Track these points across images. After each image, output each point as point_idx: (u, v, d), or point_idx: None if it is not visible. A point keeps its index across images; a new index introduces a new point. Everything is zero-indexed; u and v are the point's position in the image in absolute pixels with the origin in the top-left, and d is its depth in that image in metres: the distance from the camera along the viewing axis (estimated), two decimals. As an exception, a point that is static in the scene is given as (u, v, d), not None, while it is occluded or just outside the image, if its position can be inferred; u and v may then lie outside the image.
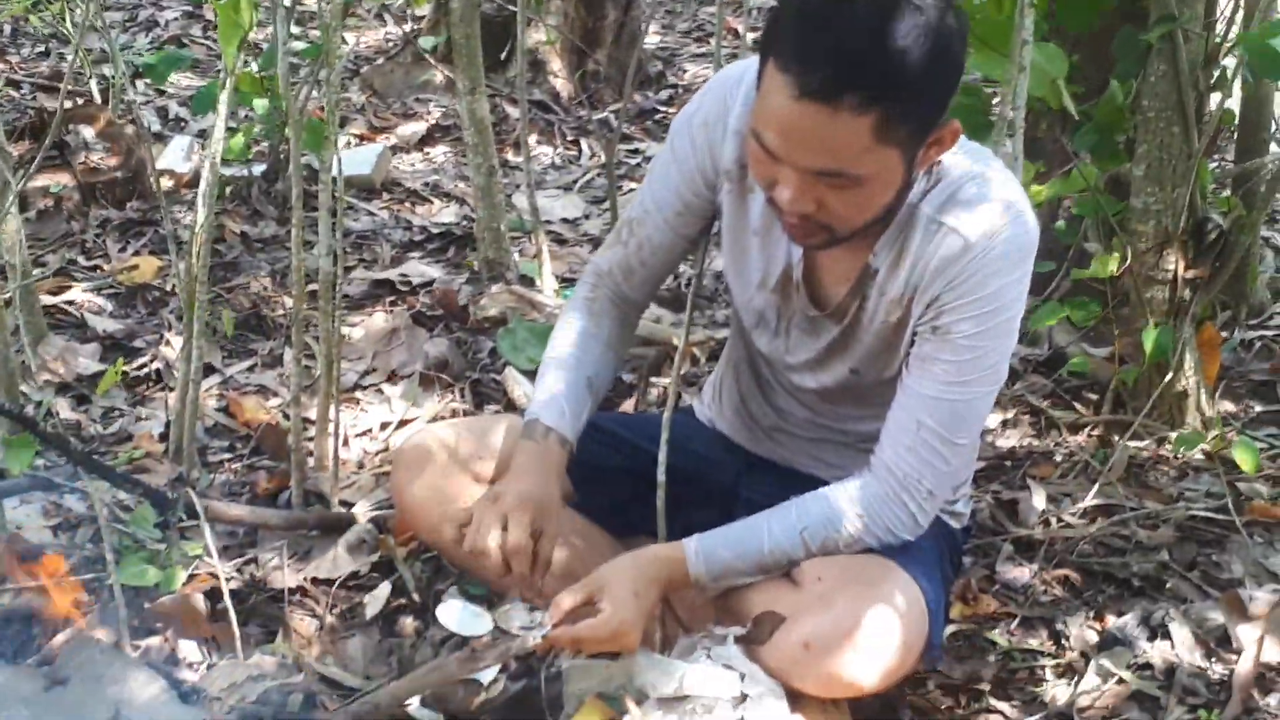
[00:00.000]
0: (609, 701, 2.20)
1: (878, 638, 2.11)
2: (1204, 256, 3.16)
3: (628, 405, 3.34)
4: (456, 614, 2.24)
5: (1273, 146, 3.60)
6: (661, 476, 2.36)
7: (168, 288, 3.77)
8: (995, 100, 3.01)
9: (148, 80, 5.21)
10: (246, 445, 3.09)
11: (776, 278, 2.23)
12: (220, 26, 2.50)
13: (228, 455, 3.05)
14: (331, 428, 2.86)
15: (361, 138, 5.02)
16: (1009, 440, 3.26)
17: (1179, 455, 3.09)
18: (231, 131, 3.58)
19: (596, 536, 2.47)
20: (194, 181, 4.42)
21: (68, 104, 4.80)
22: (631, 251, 2.36)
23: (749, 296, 2.30)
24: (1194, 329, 3.20)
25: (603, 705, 2.19)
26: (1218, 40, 3.20)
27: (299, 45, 4.08)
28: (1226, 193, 3.37)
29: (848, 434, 2.44)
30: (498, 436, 2.47)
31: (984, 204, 2.04)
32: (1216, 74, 3.18)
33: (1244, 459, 2.80)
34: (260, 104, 3.78)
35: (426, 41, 5.21)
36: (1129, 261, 3.12)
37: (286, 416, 3.19)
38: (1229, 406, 3.39)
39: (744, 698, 2.14)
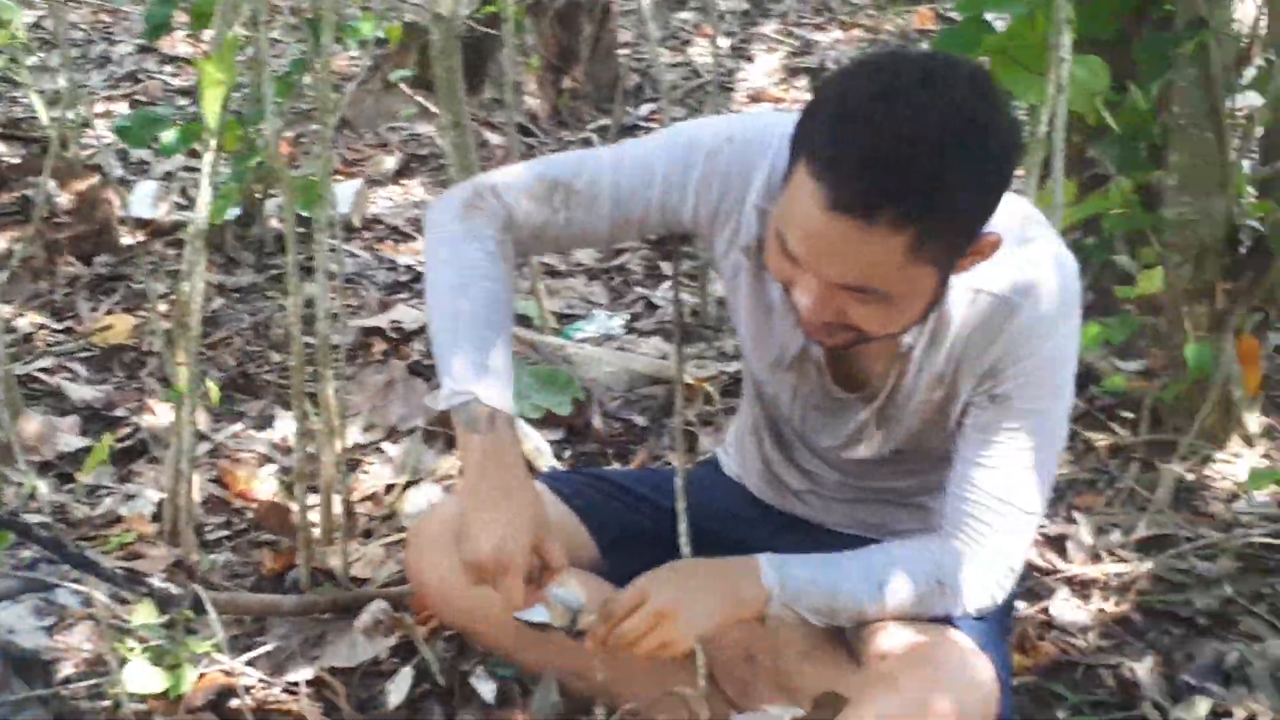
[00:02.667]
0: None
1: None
2: (1243, 266, 3.02)
3: (639, 451, 3.17)
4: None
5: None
6: (683, 526, 2.16)
7: (144, 346, 3.58)
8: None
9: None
10: (243, 519, 2.90)
11: (792, 356, 2.05)
12: (202, 82, 2.31)
13: (225, 533, 2.86)
14: (339, 500, 2.68)
15: (335, 173, 4.83)
16: (1048, 468, 3.10)
17: (1245, 491, 2.94)
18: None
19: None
20: (164, 230, 4.23)
21: (22, 155, 4.61)
22: (559, 224, 2.03)
23: (761, 377, 2.15)
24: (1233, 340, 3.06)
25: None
26: (1246, 40, 3.08)
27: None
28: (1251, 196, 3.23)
29: (886, 492, 2.28)
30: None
31: (1023, 260, 1.87)
32: (1246, 76, 3.06)
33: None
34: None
35: (397, 73, 5.02)
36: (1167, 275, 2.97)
37: (285, 486, 3.01)
38: (1273, 419, 3.24)
39: (811, 779, 1.99)
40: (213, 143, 2.52)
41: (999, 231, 1.77)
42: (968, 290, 1.88)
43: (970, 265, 1.79)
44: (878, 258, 1.67)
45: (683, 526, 2.17)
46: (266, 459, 3.13)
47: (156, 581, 2.22)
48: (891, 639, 2.02)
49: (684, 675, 2.20)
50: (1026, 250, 1.88)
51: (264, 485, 3.02)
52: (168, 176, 4.63)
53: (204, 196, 2.54)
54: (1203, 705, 2.31)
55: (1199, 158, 2.96)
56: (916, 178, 1.61)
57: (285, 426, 3.23)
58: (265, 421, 3.27)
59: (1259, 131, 3.05)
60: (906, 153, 1.60)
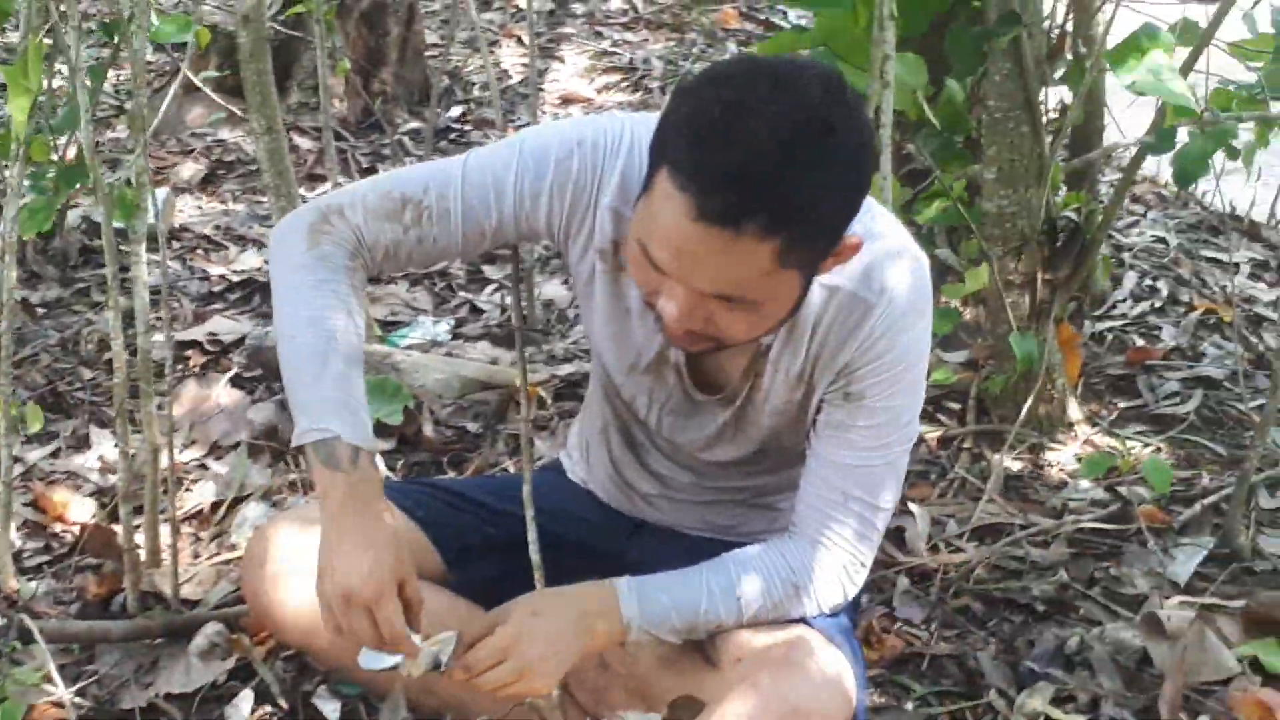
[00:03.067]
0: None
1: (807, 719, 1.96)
2: (1061, 256, 3.08)
3: (474, 458, 3.11)
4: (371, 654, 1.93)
5: (1107, 137, 3.54)
6: (536, 557, 2.13)
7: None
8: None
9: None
10: (63, 544, 2.78)
11: (650, 359, 2.05)
12: (10, 91, 2.20)
13: (45, 558, 2.73)
14: (165, 519, 2.58)
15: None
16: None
17: (1087, 478, 3.00)
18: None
19: (479, 617, 2.25)
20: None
21: None
22: (411, 242, 1.97)
23: (621, 380, 2.13)
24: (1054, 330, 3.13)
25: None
26: (1057, 34, 3.15)
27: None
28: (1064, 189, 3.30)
29: (739, 492, 2.28)
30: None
31: (877, 257, 1.89)
32: (1059, 70, 3.13)
33: (1158, 481, 2.71)
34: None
35: (204, 75, 4.87)
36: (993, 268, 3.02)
37: (105, 508, 2.89)
38: (1092, 406, 3.32)
39: (675, 789, 1.97)
40: (20, 152, 2.42)
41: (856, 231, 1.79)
42: (822, 288, 1.88)
43: (831, 267, 1.80)
44: (745, 266, 1.66)
45: (532, 536, 2.14)
46: (85, 480, 3.00)
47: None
48: (747, 641, 2.02)
49: (536, 685, 2.17)
50: (879, 246, 1.89)
51: (82, 508, 2.89)
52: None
53: (11, 209, 2.43)
54: (1046, 691, 2.34)
55: (1016, 151, 3.02)
56: (780, 186, 1.61)
57: (102, 446, 3.11)
58: (80, 442, 3.14)
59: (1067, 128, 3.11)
60: (773, 163, 1.60)
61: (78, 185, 2.75)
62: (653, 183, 1.69)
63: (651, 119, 1.90)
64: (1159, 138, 2.83)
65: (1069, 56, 3.18)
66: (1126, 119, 3.51)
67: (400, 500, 2.27)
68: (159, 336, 2.56)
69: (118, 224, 3.77)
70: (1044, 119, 3.07)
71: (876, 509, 1.98)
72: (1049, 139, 3.04)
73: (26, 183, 2.64)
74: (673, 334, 1.82)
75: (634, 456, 2.28)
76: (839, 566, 2.00)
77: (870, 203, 1.93)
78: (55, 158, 2.96)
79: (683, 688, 2.06)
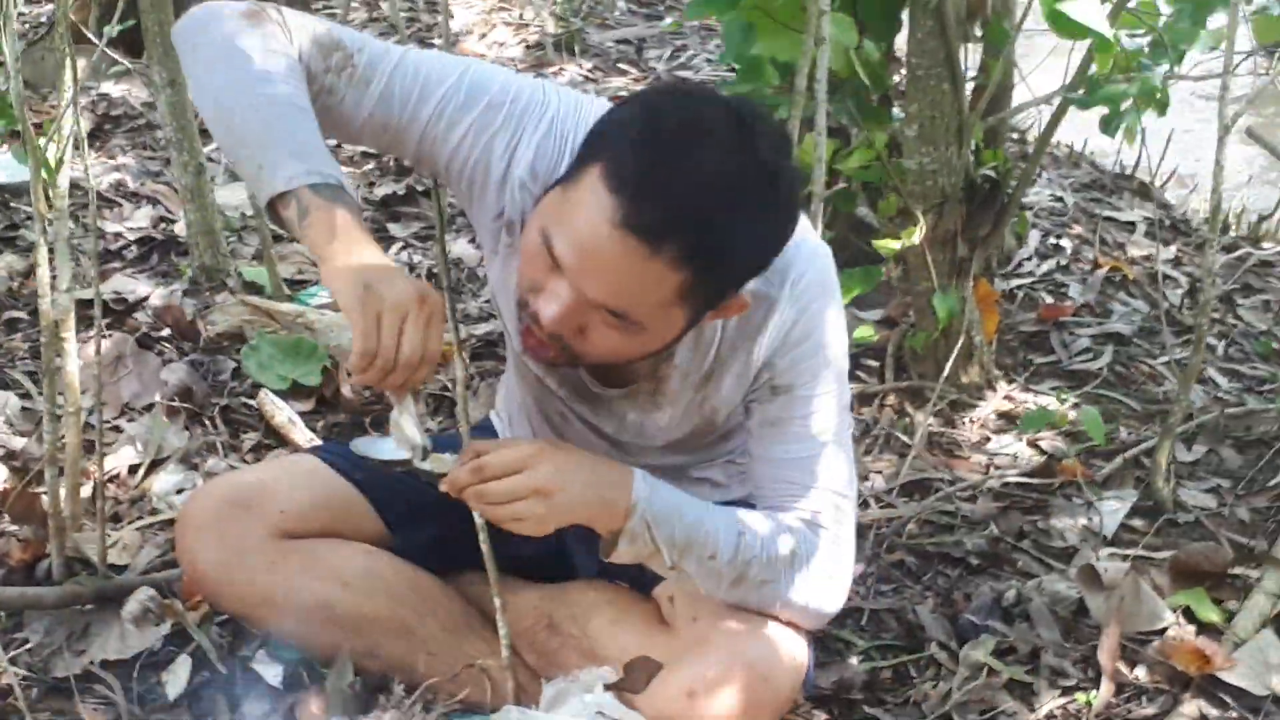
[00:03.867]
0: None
1: (764, 677, 1.98)
2: (981, 214, 3.11)
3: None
4: (370, 444, 1.89)
5: (1016, 96, 3.57)
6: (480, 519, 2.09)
7: None
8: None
9: None
10: (-23, 509, 2.69)
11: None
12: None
13: (-41, 524, 2.64)
14: (90, 481, 2.50)
15: (13, 134, 4.51)
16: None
17: (1026, 434, 3.03)
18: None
19: (427, 584, 2.21)
20: None
21: None
22: (324, 87, 1.85)
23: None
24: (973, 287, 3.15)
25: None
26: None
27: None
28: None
29: (663, 470, 2.24)
30: (291, 482, 2.21)
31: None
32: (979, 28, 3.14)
33: (1094, 431, 2.75)
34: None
35: (111, 28, 4.71)
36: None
37: (16, 472, 2.80)
38: (1007, 362, 3.36)
39: (629, 750, 1.95)
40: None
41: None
42: None
43: (712, 320, 1.82)
44: (648, 288, 1.64)
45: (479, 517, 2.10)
46: (-8, 444, 2.90)
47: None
48: (703, 601, 2.02)
49: (483, 646, 2.15)
50: None
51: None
52: None
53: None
54: (988, 643, 2.36)
55: (936, 109, 3.02)
56: (712, 222, 1.60)
57: (6, 408, 3.00)
58: (-20, 405, 3.03)
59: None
60: (710, 195, 1.59)
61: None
62: (579, 176, 1.65)
63: (581, 103, 1.88)
64: (1088, 87, 2.87)
65: (988, 14, 3.20)
66: (1034, 81, 3.54)
67: (337, 462, 2.24)
68: (63, 296, 2.47)
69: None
70: (964, 77, 3.08)
71: (841, 495, 1.98)
72: (969, 97, 3.05)
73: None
74: (531, 338, 1.78)
75: (555, 433, 2.24)
76: (822, 556, 1.98)
77: None
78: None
79: (636, 649, 2.05)
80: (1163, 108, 2.86)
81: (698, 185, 1.59)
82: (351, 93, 1.86)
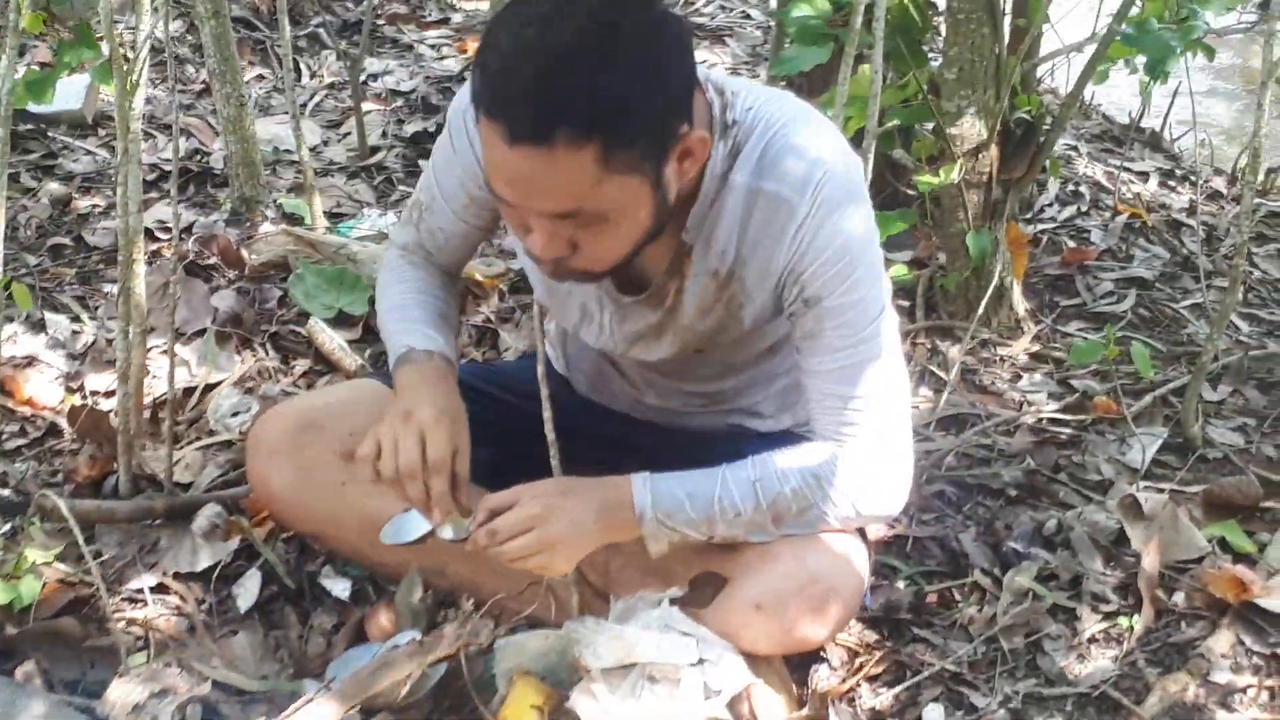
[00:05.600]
0: (545, 678, 2.05)
1: (829, 591, 2.03)
2: (1016, 156, 3.17)
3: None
4: (398, 530, 2.03)
5: (1046, 44, 3.63)
6: (550, 435, 2.17)
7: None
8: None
9: None
10: (37, 426, 2.74)
11: None
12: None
13: (22, 442, 2.69)
14: (150, 399, 2.56)
15: (44, 65, 4.53)
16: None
17: (1070, 367, 3.10)
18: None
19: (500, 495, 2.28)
20: None
21: None
22: (425, 236, 2.24)
23: (565, 291, 2.13)
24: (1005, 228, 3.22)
25: (537, 683, 2.03)
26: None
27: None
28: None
29: (714, 393, 2.31)
30: (359, 405, 2.27)
31: (796, 157, 1.89)
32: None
33: (1143, 365, 2.81)
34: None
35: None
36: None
37: (72, 390, 2.85)
38: (1034, 304, 3.43)
39: (701, 662, 2.01)
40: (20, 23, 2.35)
41: (743, 115, 1.86)
42: (748, 191, 1.90)
43: (691, 168, 1.82)
44: (572, 178, 1.69)
45: (547, 414, 2.17)
46: (46, 364, 2.95)
47: (-2, 490, 2.08)
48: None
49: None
50: (799, 144, 1.90)
51: (50, 392, 2.85)
52: None
53: (6, 82, 2.36)
54: (1031, 569, 2.44)
55: (976, 52, 3.07)
56: (577, 93, 1.64)
57: (58, 330, 3.05)
58: (35, 326, 3.07)
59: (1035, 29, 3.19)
60: (562, 73, 1.64)
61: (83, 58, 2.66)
62: (478, 123, 1.73)
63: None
64: (1136, 28, 2.92)
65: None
66: (1061, 30, 3.61)
67: (392, 385, 2.29)
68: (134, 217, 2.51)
69: (33, 107, 3.71)
70: (1004, 20, 3.14)
71: (881, 399, 1.98)
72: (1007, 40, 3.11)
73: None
74: (545, 268, 1.86)
75: (613, 370, 2.34)
76: (862, 462, 2.00)
77: (793, 104, 1.95)
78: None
79: (700, 564, 2.10)
80: (1211, 54, 2.92)
81: (540, 68, 1.63)
82: (435, 219, 2.20)
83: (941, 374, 3.07)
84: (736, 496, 1.99)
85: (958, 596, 2.45)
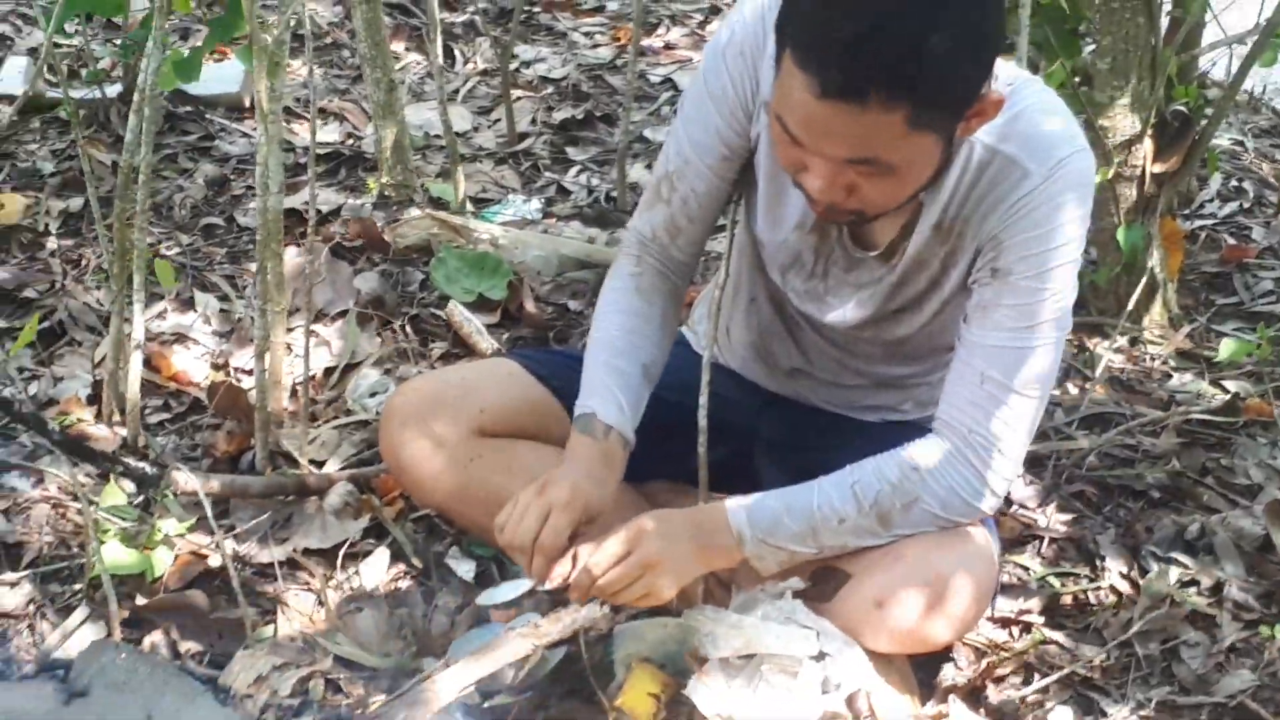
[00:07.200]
0: (663, 666, 2.03)
1: (954, 591, 1.99)
2: (1172, 149, 3.08)
3: (576, 335, 3.12)
4: (495, 594, 2.07)
5: (1207, 35, 3.52)
6: (703, 422, 2.16)
7: (40, 228, 3.41)
8: None
9: None
10: (181, 402, 2.80)
11: (814, 218, 2.02)
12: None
13: (165, 416, 2.75)
14: (291, 380, 2.60)
15: (214, 52, 4.62)
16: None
17: (1222, 367, 3.03)
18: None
19: (617, 489, 2.27)
20: (39, 106, 4.02)
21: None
22: (676, 209, 2.15)
23: (783, 237, 2.11)
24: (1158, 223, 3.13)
25: (655, 671, 2.02)
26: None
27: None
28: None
29: (878, 376, 2.28)
30: (493, 383, 2.29)
31: (1043, 132, 1.87)
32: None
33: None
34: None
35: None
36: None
37: (216, 367, 2.91)
38: (1188, 301, 3.33)
39: (821, 656, 1.98)
40: (159, 3, 2.40)
41: (1004, 91, 1.79)
42: (986, 150, 1.87)
43: (977, 126, 1.79)
44: (877, 134, 1.67)
45: (703, 423, 2.15)
46: (194, 341, 3.01)
47: (132, 462, 2.12)
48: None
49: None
50: (1049, 124, 1.88)
51: (196, 368, 2.90)
52: (32, 52, 4.39)
53: (154, 61, 2.41)
54: (1171, 574, 2.37)
55: (1130, 43, 2.99)
56: (899, 54, 1.61)
57: (207, 308, 3.11)
58: (184, 304, 3.14)
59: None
60: (886, 33, 1.60)
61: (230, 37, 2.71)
62: (780, 61, 1.71)
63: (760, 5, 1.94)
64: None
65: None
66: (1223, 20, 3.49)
67: (534, 368, 2.30)
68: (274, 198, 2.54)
69: (192, 89, 3.78)
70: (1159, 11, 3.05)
71: (1013, 392, 1.92)
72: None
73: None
74: (818, 208, 1.84)
75: (784, 328, 2.29)
76: (970, 450, 1.95)
77: (1032, 77, 1.94)
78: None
79: (823, 560, 2.07)
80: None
81: (866, 26, 1.60)
82: (687, 184, 2.12)
83: (1087, 371, 3.00)
84: (836, 501, 1.97)
85: (1092, 599, 2.39)
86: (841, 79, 1.62)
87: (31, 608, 2.21)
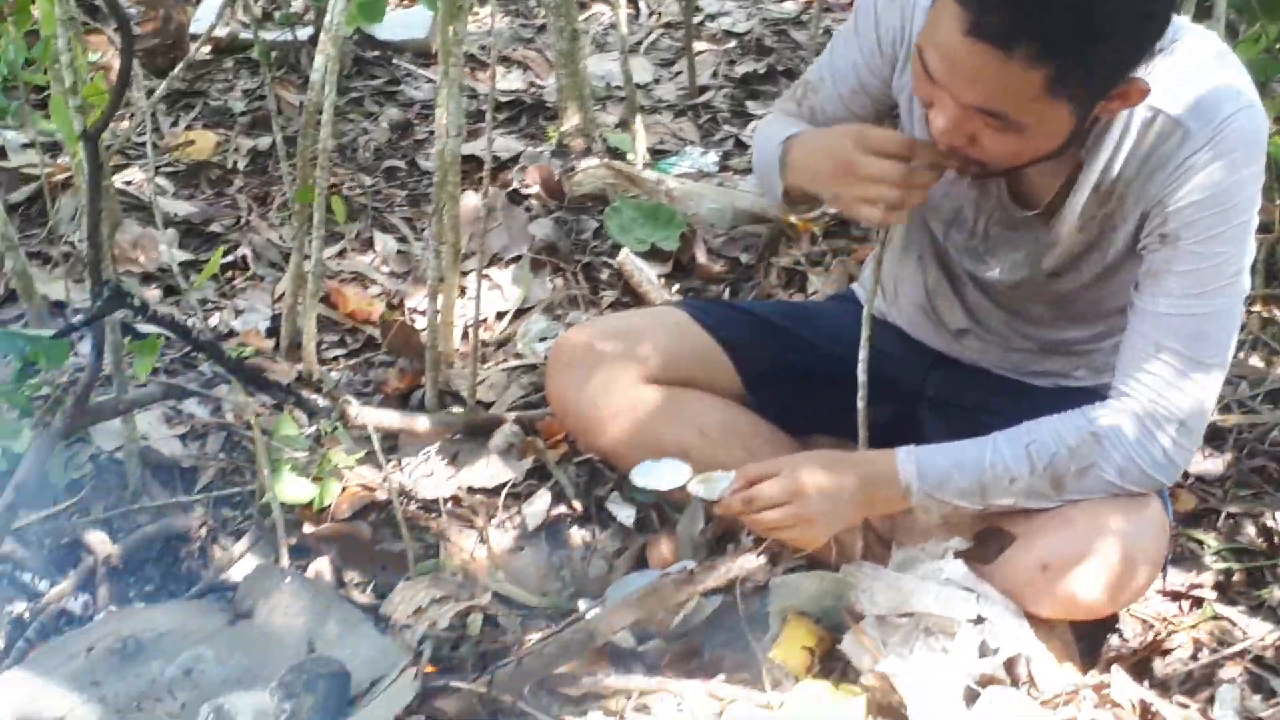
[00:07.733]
0: (818, 620, 2.02)
1: (1122, 558, 1.92)
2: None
3: (747, 288, 3.11)
4: (651, 473, 2.05)
5: None
6: (863, 376, 2.12)
7: (229, 165, 3.49)
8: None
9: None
10: (357, 339, 2.85)
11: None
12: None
13: (340, 352, 2.81)
14: (463, 322, 2.63)
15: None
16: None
17: None
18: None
19: (780, 440, 2.26)
20: (232, 46, 4.12)
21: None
22: (804, 115, 2.19)
23: (942, 191, 2.06)
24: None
25: (810, 625, 2.00)
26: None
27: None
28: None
29: (1046, 341, 2.23)
30: (661, 331, 2.29)
31: (1208, 90, 1.78)
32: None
33: None
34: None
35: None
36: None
37: (392, 307, 2.96)
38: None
39: (980, 619, 1.95)
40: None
41: (1189, 48, 1.76)
42: (1144, 108, 1.80)
43: (1118, 109, 1.75)
44: (1014, 87, 1.63)
45: (862, 377, 2.10)
46: (371, 281, 3.06)
47: (307, 394, 2.16)
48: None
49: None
50: (1213, 80, 1.80)
51: (371, 306, 2.95)
52: (229, -5, 4.49)
53: (340, 1, 2.44)
54: (1354, 556, 2.29)
55: (1340, 5, 2.87)
56: (1060, 16, 1.57)
57: (386, 248, 3.16)
58: (364, 245, 3.19)
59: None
60: None
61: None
62: None
63: None
64: None
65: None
66: None
67: (703, 318, 2.29)
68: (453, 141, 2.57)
69: (380, 34, 3.83)
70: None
71: (1192, 360, 1.86)
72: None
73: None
74: (940, 145, 1.80)
75: (950, 287, 2.24)
76: (1150, 420, 1.88)
77: (1218, 44, 1.86)
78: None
79: (989, 520, 2.04)
80: None
81: None
82: (819, 99, 2.17)
83: (1275, 344, 2.90)
84: (1009, 460, 1.92)
85: (1269, 577, 2.31)
86: (996, 21, 1.58)
87: (203, 531, 2.27)
